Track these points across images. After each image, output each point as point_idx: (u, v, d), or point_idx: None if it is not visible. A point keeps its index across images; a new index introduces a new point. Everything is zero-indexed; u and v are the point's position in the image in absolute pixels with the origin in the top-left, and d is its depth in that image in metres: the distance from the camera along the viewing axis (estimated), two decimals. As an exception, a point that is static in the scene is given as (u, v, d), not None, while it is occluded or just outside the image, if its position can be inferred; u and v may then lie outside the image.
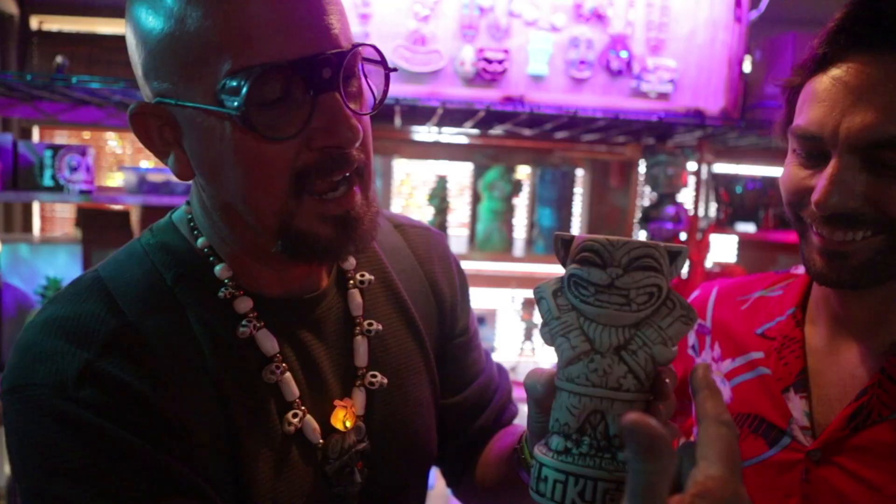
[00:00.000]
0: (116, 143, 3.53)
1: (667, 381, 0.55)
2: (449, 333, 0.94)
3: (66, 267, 2.08)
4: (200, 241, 0.76)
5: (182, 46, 0.63)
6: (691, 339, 1.07)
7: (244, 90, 0.61)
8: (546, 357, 2.53)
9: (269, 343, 0.74)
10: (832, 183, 0.77)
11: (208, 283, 0.74)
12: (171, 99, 0.66)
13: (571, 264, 0.57)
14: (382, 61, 0.70)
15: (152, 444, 0.66)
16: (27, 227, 2.83)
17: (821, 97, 0.79)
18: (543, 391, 0.58)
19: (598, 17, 2.00)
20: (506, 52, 1.97)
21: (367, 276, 0.84)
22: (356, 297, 0.83)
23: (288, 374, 0.74)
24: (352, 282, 0.83)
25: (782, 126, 0.89)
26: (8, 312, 2.04)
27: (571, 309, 0.57)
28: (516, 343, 2.51)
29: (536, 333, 2.50)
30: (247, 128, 0.63)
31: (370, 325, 0.82)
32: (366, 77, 0.71)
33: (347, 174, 0.68)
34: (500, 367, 1.04)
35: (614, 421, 0.54)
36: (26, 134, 2.71)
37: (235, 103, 0.62)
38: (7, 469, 2.11)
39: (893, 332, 0.85)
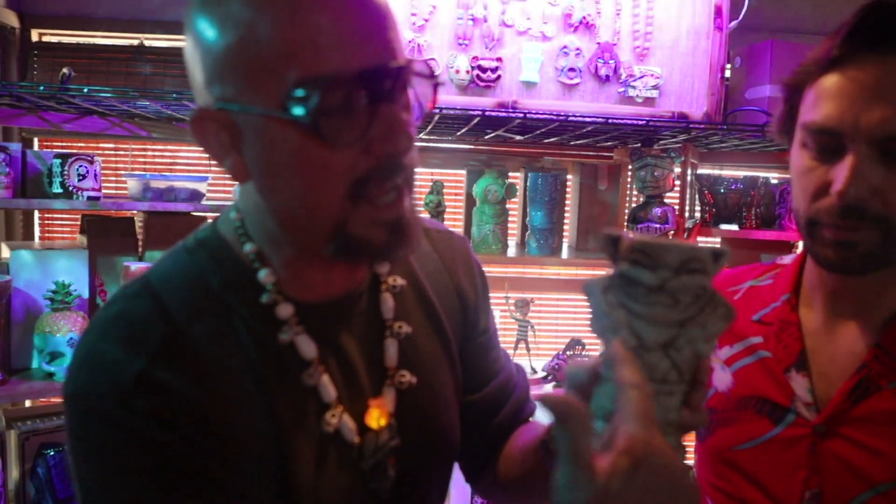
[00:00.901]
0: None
1: (702, 371, 0.59)
2: (471, 333, 0.98)
3: (73, 272, 2.14)
4: (248, 246, 0.78)
5: (250, 54, 0.65)
6: None
7: (313, 98, 0.63)
8: (539, 356, 2.60)
9: (307, 347, 0.77)
10: (853, 173, 0.80)
11: (253, 289, 0.77)
12: (234, 105, 0.68)
13: (622, 263, 0.59)
14: (432, 75, 0.73)
15: (203, 448, 0.69)
16: (28, 234, 2.87)
17: (835, 94, 0.82)
18: (586, 379, 0.60)
19: (587, 27, 2.09)
20: (499, 60, 2.05)
21: (400, 282, 0.88)
22: (388, 300, 0.86)
23: (326, 377, 0.78)
24: (384, 286, 0.87)
25: (782, 123, 0.94)
26: (17, 317, 2.08)
27: (621, 306, 0.59)
28: (510, 342, 2.58)
29: (530, 333, 2.57)
30: (313, 135, 0.65)
31: (400, 327, 0.85)
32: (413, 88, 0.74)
33: (399, 182, 0.71)
34: (518, 367, 1.08)
35: (658, 410, 0.57)
36: (27, 143, 2.76)
37: (303, 111, 0.64)
38: (14, 474, 2.15)
39: (886, 309, 0.90)
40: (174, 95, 1.88)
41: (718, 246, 0.59)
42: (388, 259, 0.78)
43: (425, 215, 2.40)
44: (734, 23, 2.23)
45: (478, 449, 1.00)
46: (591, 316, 0.61)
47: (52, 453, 2.11)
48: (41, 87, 1.85)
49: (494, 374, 1.01)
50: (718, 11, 2.13)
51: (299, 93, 0.64)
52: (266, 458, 0.73)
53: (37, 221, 2.90)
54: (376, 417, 0.81)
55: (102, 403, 0.68)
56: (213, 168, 2.62)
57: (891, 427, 0.85)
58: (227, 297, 0.76)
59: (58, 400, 2.38)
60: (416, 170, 0.77)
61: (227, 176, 2.93)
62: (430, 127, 2.27)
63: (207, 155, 0.75)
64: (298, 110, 0.64)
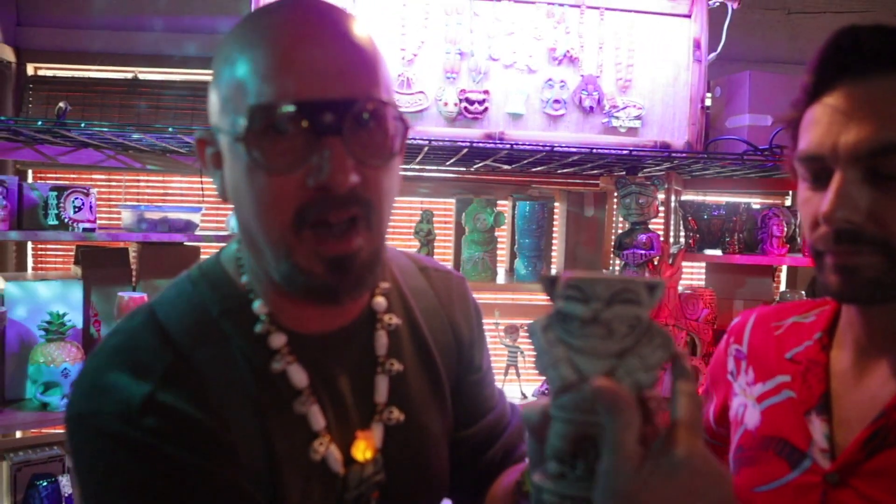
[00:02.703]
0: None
1: (651, 405, 0.59)
2: (465, 371, 0.99)
3: (67, 303, 2.16)
4: (245, 277, 0.82)
5: (225, 86, 0.73)
6: (730, 364, 1.08)
7: (249, 122, 0.68)
8: (529, 381, 2.63)
9: (299, 376, 0.79)
10: (837, 196, 0.79)
11: (249, 318, 0.79)
12: (217, 129, 0.75)
13: (558, 301, 0.60)
14: (399, 118, 0.75)
15: (210, 465, 0.71)
16: (21, 265, 2.89)
17: (816, 122, 0.83)
18: (538, 420, 0.62)
19: (571, 60, 2.16)
20: (486, 93, 2.11)
21: (395, 320, 0.89)
22: (382, 337, 0.87)
23: (316, 406, 0.79)
24: (380, 323, 0.88)
25: (790, 160, 0.92)
26: (11, 348, 2.10)
27: (560, 342, 0.60)
28: (501, 367, 2.61)
29: (520, 359, 2.60)
30: (249, 157, 0.69)
31: (392, 364, 0.87)
32: (389, 128, 0.74)
33: (351, 217, 0.71)
34: (513, 407, 1.07)
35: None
36: (22, 175, 2.79)
37: (242, 135, 0.69)
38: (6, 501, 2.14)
39: None
40: (170, 129, 1.92)
41: (654, 279, 0.61)
42: (335, 297, 0.74)
43: (415, 243, 2.44)
44: (713, 54, 2.31)
45: (468, 485, 0.99)
46: (535, 355, 0.62)
47: (44, 484, 2.11)
48: (39, 122, 1.89)
49: (487, 411, 1.01)
50: (697, 44, 2.21)
51: (240, 119, 0.69)
52: (260, 482, 0.75)
53: (30, 253, 2.93)
54: (362, 449, 0.82)
55: (111, 422, 0.70)
56: (206, 198, 2.65)
57: None
58: (225, 326, 0.79)
59: (51, 430, 2.39)
60: (391, 203, 0.78)
61: (219, 206, 2.97)
62: (419, 157, 2.32)
63: (201, 184, 0.80)
64: (240, 135, 0.69)
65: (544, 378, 0.62)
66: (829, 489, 0.85)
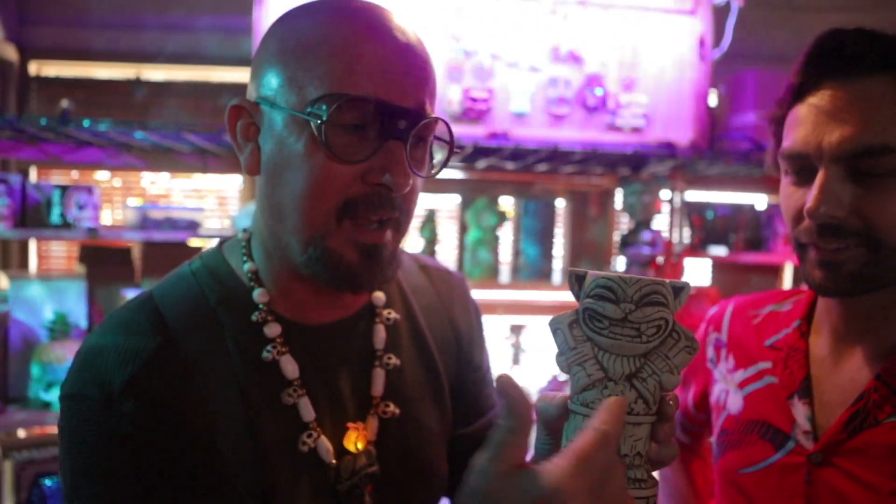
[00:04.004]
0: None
1: (670, 403, 0.60)
2: (464, 369, 0.99)
3: (71, 302, 2.16)
4: (247, 266, 0.83)
5: (295, 62, 0.73)
6: (710, 352, 1.11)
7: (332, 108, 0.70)
8: (532, 380, 2.62)
9: (290, 367, 0.79)
10: (821, 192, 0.83)
11: (246, 307, 0.80)
12: (269, 102, 0.75)
13: (586, 299, 0.60)
14: (451, 139, 0.79)
15: (184, 456, 0.72)
16: (23, 263, 2.89)
17: (801, 121, 0.87)
18: (557, 413, 0.62)
19: (575, 59, 2.15)
20: (490, 91, 2.10)
21: (394, 316, 0.90)
22: (381, 332, 0.88)
23: (305, 398, 0.80)
24: (379, 318, 0.89)
25: (773, 155, 0.96)
26: (14, 347, 2.10)
27: (586, 340, 0.61)
28: (504, 367, 2.61)
29: (523, 358, 2.60)
30: (321, 141, 0.71)
31: (389, 359, 0.87)
32: (430, 146, 0.79)
33: (386, 218, 0.75)
34: None
35: (625, 442, 0.58)
36: (24, 174, 2.79)
37: (319, 120, 0.71)
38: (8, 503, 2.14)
39: (888, 340, 0.89)
40: (174, 127, 1.92)
41: (681, 281, 0.60)
42: (359, 284, 0.77)
43: (419, 241, 2.44)
44: (718, 52, 2.30)
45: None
46: (557, 351, 0.62)
47: (48, 483, 2.11)
48: (44, 120, 1.89)
49: (486, 410, 1.01)
50: (702, 42, 2.20)
51: (322, 103, 0.71)
52: (245, 471, 0.75)
53: (32, 251, 2.93)
54: (353, 440, 0.83)
55: (91, 407, 0.72)
56: (207, 197, 2.65)
57: (884, 462, 0.84)
58: (221, 314, 0.80)
59: (55, 429, 2.38)
60: (413, 218, 0.81)
61: (221, 207, 2.96)
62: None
63: (233, 146, 0.81)
64: (316, 118, 0.71)
65: (566, 375, 0.62)
66: (813, 468, 0.89)
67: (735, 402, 1.03)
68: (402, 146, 0.73)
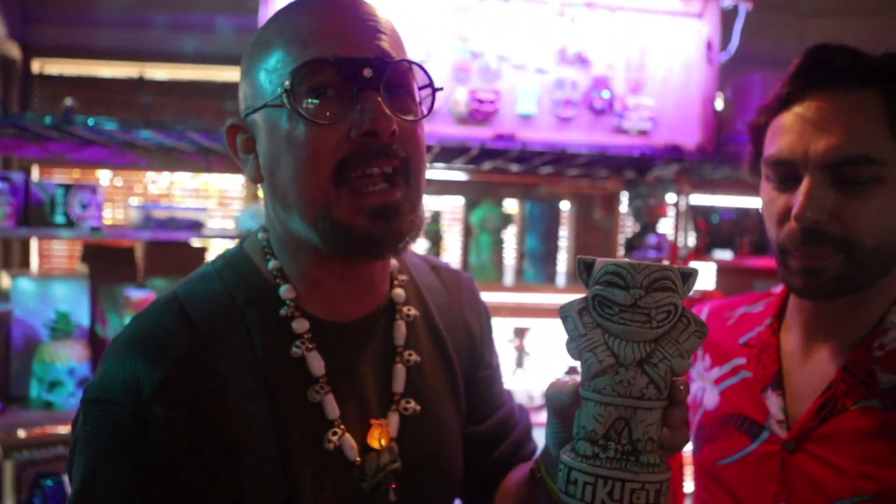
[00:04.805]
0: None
1: (681, 388, 0.61)
2: (476, 367, 1.00)
3: (73, 300, 2.14)
4: (271, 263, 0.84)
5: (265, 63, 0.77)
6: None
7: (292, 82, 0.73)
8: (536, 383, 2.61)
9: (317, 364, 0.80)
10: (807, 197, 0.88)
11: (273, 304, 0.81)
12: (249, 109, 0.79)
13: (595, 286, 0.61)
14: (429, 81, 0.81)
15: (207, 461, 0.72)
16: (25, 262, 2.88)
17: (788, 128, 0.92)
18: (569, 400, 0.63)
19: (582, 61, 2.14)
20: (496, 93, 2.09)
21: (414, 312, 0.91)
22: (401, 328, 0.89)
23: (330, 395, 0.81)
24: (399, 314, 0.90)
25: (751, 161, 1.02)
26: (17, 346, 2.08)
27: (596, 326, 0.61)
28: (509, 368, 2.60)
29: (527, 360, 2.59)
30: (293, 112, 0.73)
31: (410, 355, 0.88)
32: (419, 88, 0.80)
33: (388, 171, 0.75)
34: (521, 407, 1.09)
35: (637, 427, 0.59)
36: (26, 172, 2.78)
37: (289, 96, 0.73)
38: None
39: (855, 333, 0.96)
40: (178, 126, 1.91)
41: (688, 267, 0.61)
42: (378, 248, 0.77)
43: (424, 242, 2.43)
44: (725, 55, 2.29)
45: (477, 482, 1.00)
46: (567, 339, 0.63)
47: (49, 484, 2.09)
48: (48, 119, 1.88)
49: (496, 409, 1.03)
50: (709, 45, 2.19)
51: (287, 81, 0.73)
52: (273, 470, 0.76)
53: (35, 250, 2.91)
54: (377, 437, 0.83)
55: (119, 411, 0.72)
56: (210, 197, 2.64)
57: (851, 445, 0.90)
58: (249, 313, 0.80)
59: (56, 429, 2.37)
60: (426, 163, 0.82)
61: (223, 207, 2.95)
62: (430, 158, 2.31)
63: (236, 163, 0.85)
64: (286, 95, 0.73)
65: (578, 361, 0.63)
66: (788, 455, 0.95)
67: (711, 398, 1.09)
68: (376, 94, 0.74)
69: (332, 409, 0.80)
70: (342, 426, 0.81)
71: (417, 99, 0.80)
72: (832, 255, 0.89)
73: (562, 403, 0.63)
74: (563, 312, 0.63)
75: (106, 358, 0.77)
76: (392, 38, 0.78)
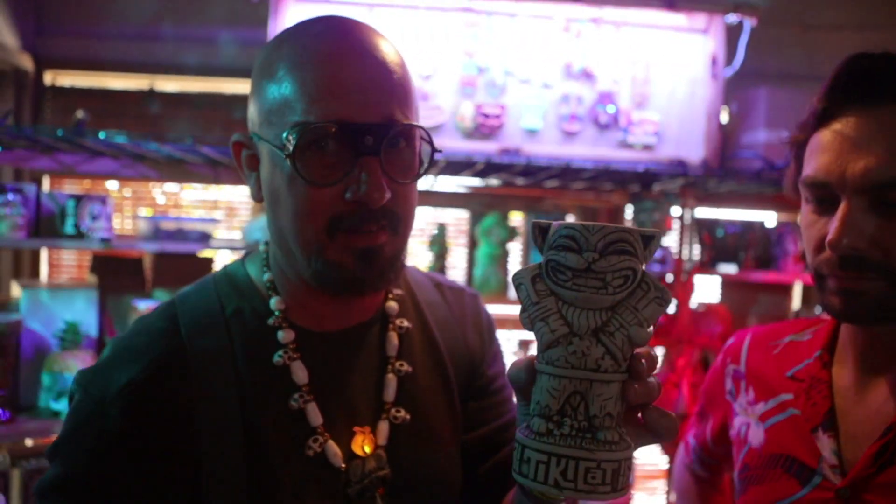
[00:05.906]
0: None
1: (642, 361, 0.56)
2: (476, 380, 1.00)
3: (81, 311, 2.16)
4: (266, 275, 0.87)
5: (271, 99, 0.78)
6: (728, 384, 1.08)
7: (295, 139, 0.74)
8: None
9: (300, 373, 0.82)
10: (843, 224, 0.80)
11: (262, 315, 0.84)
12: (257, 135, 0.81)
13: (549, 250, 0.57)
14: (430, 143, 0.81)
15: (163, 464, 0.76)
16: (35, 272, 2.90)
17: (824, 148, 0.84)
18: (526, 377, 0.59)
19: (587, 76, 2.16)
20: (502, 107, 2.11)
21: (406, 324, 0.93)
22: (393, 339, 0.91)
23: (312, 403, 0.82)
24: (392, 325, 0.92)
25: (792, 179, 0.93)
26: (26, 356, 2.10)
27: (550, 294, 0.57)
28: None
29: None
30: (292, 169, 0.75)
31: (401, 365, 0.90)
32: (418, 150, 0.81)
33: (374, 229, 0.78)
34: None
35: (593, 401, 0.55)
36: (37, 183, 2.81)
37: (290, 148, 0.74)
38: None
39: None
40: (188, 139, 1.93)
41: (651, 229, 0.57)
42: (362, 287, 0.79)
43: (429, 256, 2.44)
44: (730, 70, 2.31)
45: (481, 488, 0.99)
46: (520, 307, 0.59)
47: (56, 492, 2.10)
48: (60, 131, 1.91)
49: (499, 416, 1.01)
50: (714, 60, 2.21)
51: (291, 133, 0.75)
52: (242, 476, 0.77)
53: (44, 260, 2.94)
54: (360, 443, 0.84)
55: (88, 402, 0.76)
56: (218, 208, 2.66)
57: None
58: (234, 322, 0.84)
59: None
60: (415, 214, 0.84)
61: (231, 218, 2.97)
62: (436, 172, 2.33)
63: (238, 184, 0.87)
64: (287, 149, 0.75)
65: (532, 330, 0.58)
66: None
67: (756, 436, 1.00)
68: (375, 160, 0.75)
69: (315, 416, 0.82)
70: (326, 433, 0.82)
71: (418, 156, 0.81)
72: (873, 279, 0.81)
73: (520, 381, 0.60)
74: (516, 280, 0.59)
75: (103, 351, 0.82)
76: (401, 93, 0.78)
